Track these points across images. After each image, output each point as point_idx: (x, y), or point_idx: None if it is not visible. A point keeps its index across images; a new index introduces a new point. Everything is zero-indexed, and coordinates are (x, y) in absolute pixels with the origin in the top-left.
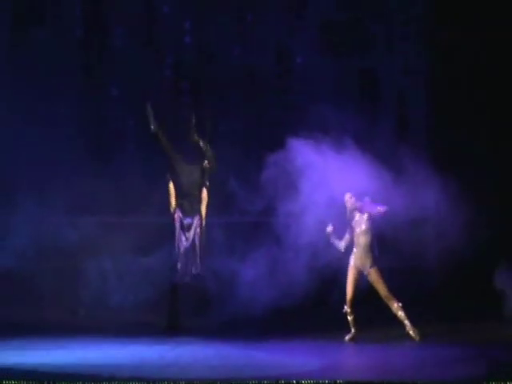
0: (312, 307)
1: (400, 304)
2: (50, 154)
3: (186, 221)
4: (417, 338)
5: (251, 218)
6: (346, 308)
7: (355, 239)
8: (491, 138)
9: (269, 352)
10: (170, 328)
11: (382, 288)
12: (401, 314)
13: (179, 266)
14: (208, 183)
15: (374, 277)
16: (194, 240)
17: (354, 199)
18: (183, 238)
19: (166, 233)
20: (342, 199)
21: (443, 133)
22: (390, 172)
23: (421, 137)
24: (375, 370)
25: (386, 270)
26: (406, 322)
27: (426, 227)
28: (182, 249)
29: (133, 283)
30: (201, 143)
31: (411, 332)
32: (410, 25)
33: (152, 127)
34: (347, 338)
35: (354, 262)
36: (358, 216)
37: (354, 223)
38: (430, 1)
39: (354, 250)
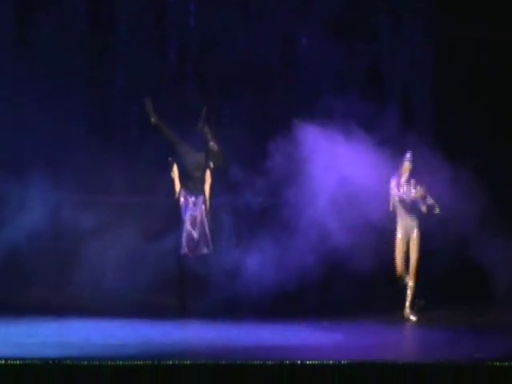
0: (318, 290)
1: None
2: (60, 136)
3: (191, 199)
4: (412, 319)
5: (257, 200)
6: (407, 280)
7: (402, 208)
8: (497, 126)
9: (274, 333)
10: (177, 308)
11: (415, 257)
12: (410, 291)
13: (185, 244)
14: (212, 165)
15: (415, 241)
16: (200, 219)
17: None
18: (189, 217)
19: (177, 213)
20: (349, 183)
21: (449, 121)
22: (396, 159)
23: (426, 124)
24: (379, 351)
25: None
26: (409, 300)
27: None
28: (188, 228)
29: (140, 263)
30: (207, 135)
31: (407, 311)
32: (417, 14)
33: (152, 120)
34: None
35: (401, 233)
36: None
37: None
38: None
39: (400, 220)
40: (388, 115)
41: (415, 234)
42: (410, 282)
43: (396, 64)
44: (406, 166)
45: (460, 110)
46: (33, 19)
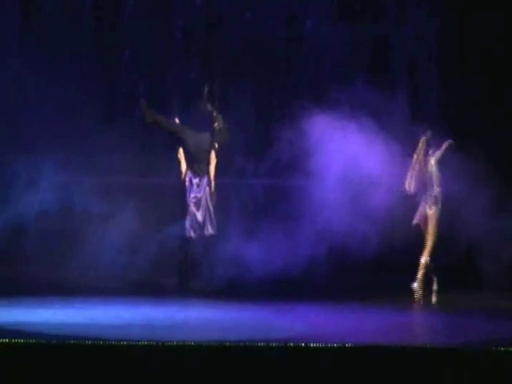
0: (322, 273)
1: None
2: (69, 118)
3: (195, 181)
4: (418, 301)
5: (262, 182)
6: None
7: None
8: (505, 107)
9: (278, 314)
10: (181, 288)
11: (432, 232)
12: (422, 270)
13: (190, 227)
14: (217, 145)
15: (432, 217)
16: (204, 201)
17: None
18: (193, 199)
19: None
20: (355, 167)
21: (455, 102)
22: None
23: (433, 107)
24: (382, 334)
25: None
26: (418, 281)
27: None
28: (192, 210)
29: (144, 245)
30: (213, 113)
31: (416, 291)
32: None
33: (148, 119)
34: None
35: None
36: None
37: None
38: None
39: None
40: (395, 98)
41: (432, 211)
42: (423, 260)
43: (402, 43)
44: (423, 141)
45: (467, 93)
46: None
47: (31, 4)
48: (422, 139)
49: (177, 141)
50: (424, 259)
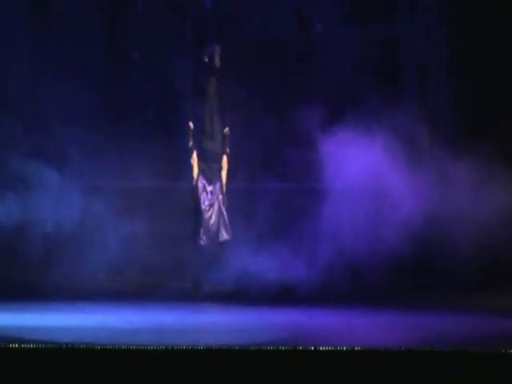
0: (332, 278)
1: None
2: (79, 116)
3: (209, 187)
4: None
5: (275, 186)
6: None
7: None
8: None
9: (287, 318)
10: (194, 292)
11: None
12: None
13: (203, 234)
14: (229, 150)
15: None
16: (217, 207)
17: None
18: (206, 205)
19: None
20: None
21: (466, 105)
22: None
23: (442, 111)
24: (391, 337)
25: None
26: None
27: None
28: (205, 216)
29: (155, 248)
30: (223, 119)
31: None
32: None
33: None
34: None
35: None
36: None
37: None
38: None
39: None
40: (403, 104)
41: None
42: None
43: (411, 47)
44: None
45: (477, 95)
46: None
47: (41, 5)
48: None
49: (192, 141)
50: None
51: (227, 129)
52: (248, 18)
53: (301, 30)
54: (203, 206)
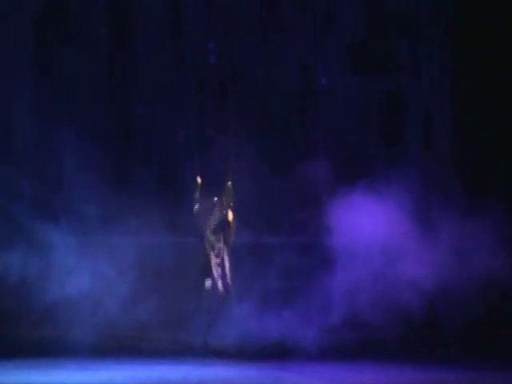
0: (338, 331)
1: None
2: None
3: (216, 245)
4: None
5: (279, 241)
6: None
7: None
8: None
9: (293, 373)
10: (200, 347)
11: None
12: None
13: (211, 286)
14: (232, 204)
15: None
16: (222, 263)
17: None
18: (214, 264)
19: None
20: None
21: (470, 155)
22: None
23: (446, 160)
24: None
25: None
26: None
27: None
28: (214, 273)
29: (164, 303)
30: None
31: None
32: (433, 42)
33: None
34: None
35: None
36: None
37: None
38: (454, 16)
39: None
40: (408, 152)
41: None
42: None
43: (416, 96)
44: None
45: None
46: (53, 46)
47: (45, 59)
48: None
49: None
50: None
51: (229, 183)
52: (251, 72)
53: (304, 81)
54: (212, 264)
